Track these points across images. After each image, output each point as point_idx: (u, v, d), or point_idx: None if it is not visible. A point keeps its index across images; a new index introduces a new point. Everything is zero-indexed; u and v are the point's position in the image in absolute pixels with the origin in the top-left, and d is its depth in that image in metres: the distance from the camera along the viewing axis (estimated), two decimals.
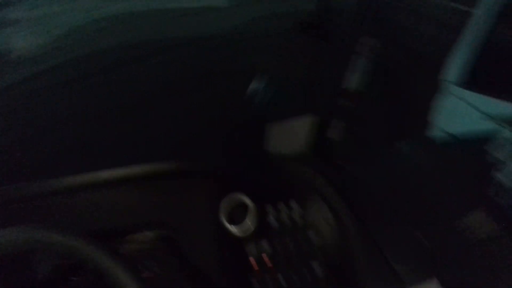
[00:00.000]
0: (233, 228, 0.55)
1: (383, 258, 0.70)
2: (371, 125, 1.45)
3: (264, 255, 0.55)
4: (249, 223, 0.56)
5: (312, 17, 0.91)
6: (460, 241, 0.79)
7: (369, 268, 0.59)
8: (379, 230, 0.76)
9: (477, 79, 2.41)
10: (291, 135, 0.79)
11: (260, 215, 0.57)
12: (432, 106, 0.99)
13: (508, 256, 0.74)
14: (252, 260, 0.56)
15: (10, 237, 0.39)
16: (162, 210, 0.53)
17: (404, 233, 0.76)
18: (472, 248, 0.75)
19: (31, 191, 0.50)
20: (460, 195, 0.87)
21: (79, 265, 0.55)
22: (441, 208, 0.85)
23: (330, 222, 0.59)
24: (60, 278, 0.54)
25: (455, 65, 2.62)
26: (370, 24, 0.94)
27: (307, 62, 1.10)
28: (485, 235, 0.80)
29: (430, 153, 1.11)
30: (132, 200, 0.52)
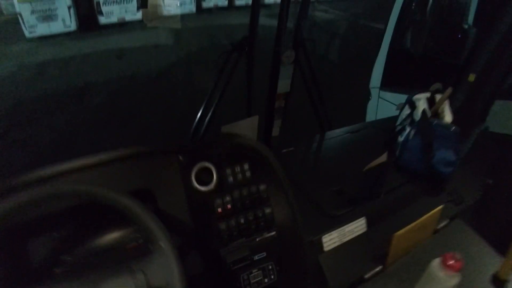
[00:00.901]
0: (201, 188, 0.75)
1: (311, 202, 0.95)
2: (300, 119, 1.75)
3: (226, 204, 0.78)
4: (214, 182, 0.77)
5: (243, 41, 1.19)
6: (374, 190, 1.06)
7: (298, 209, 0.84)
8: (308, 189, 1.01)
9: (390, 82, 3.04)
10: (243, 132, 1.02)
11: (221, 176, 0.78)
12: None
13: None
14: (217, 208, 0.77)
15: (75, 187, 0.53)
16: (147, 179, 0.70)
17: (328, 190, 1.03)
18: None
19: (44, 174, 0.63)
20: (374, 158, 1.17)
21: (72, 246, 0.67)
22: (358, 169, 1.14)
23: (273, 178, 0.83)
24: (52, 262, 0.66)
25: (376, 76, 3.24)
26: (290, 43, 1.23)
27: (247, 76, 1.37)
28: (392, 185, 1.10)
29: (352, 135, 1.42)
30: (124, 174, 0.69)
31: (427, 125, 1.05)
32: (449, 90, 1.18)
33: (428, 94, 1.23)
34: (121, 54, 6.34)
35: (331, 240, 0.86)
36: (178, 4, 9.10)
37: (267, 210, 0.83)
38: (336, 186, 1.02)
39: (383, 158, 0.94)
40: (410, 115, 1.21)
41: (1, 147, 3.23)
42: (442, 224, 1.08)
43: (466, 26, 2.64)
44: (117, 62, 6.04)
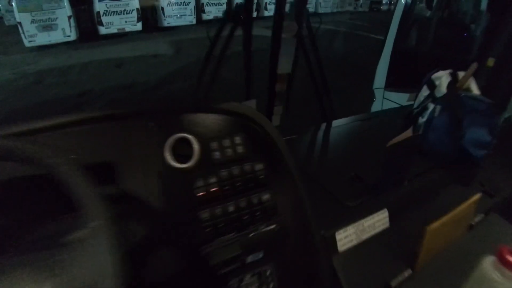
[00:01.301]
0: (178, 164, 0.57)
1: (321, 190, 0.77)
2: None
3: (210, 186, 0.58)
4: (194, 158, 0.58)
5: (238, 8, 1.03)
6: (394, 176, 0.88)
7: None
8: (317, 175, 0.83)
9: (393, 83, 2.92)
10: None
11: (205, 151, 0.60)
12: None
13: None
14: (198, 191, 0.58)
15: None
16: (106, 151, 0.53)
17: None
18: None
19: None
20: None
21: None
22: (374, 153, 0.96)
23: (272, 155, 0.65)
24: None
25: (380, 77, 3.12)
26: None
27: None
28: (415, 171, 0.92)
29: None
30: (76, 142, 0.52)
31: (455, 98, 0.88)
32: (474, 65, 1.02)
33: (449, 71, 1.06)
34: (120, 63, 6.28)
35: (347, 237, 0.67)
36: (179, 16, 9.14)
37: (265, 196, 0.63)
38: (350, 172, 0.83)
39: (408, 133, 0.77)
40: (431, 95, 1.05)
41: None
42: (477, 219, 0.89)
43: (478, 13, 2.51)
44: (116, 71, 5.96)
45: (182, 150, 0.59)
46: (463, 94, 0.89)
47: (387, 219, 0.73)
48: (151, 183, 0.56)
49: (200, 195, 0.58)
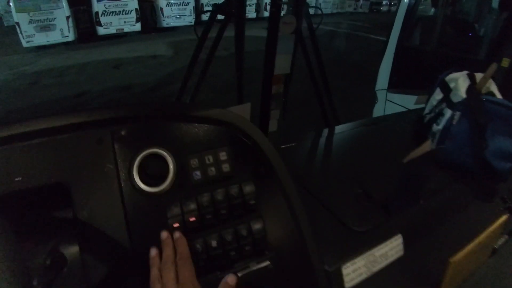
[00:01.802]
0: (148, 188, 0.46)
1: (324, 212, 0.66)
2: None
3: (188, 214, 0.47)
4: (169, 179, 0.47)
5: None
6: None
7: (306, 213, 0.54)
8: (318, 192, 0.72)
9: (396, 85, 2.81)
10: None
11: (182, 170, 0.49)
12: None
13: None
14: (173, 221, 0.46)
15: None
16: (60, 169, 0.42)
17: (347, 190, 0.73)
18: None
19: None
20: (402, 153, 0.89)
21: None
22: (383, 167, 0.85)
23: (265, 174, 0.53)
24: None
25: (383, 78, 3.02)
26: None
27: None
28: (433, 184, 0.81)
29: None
30: (32, 160, 0.41)
31: (477, 103, 0.77)
32: (493, 66, 0.91)
33: (466, 72, 0.95)
34: (118, 64, 6.18)
35: (355, 271, 0.56)
36: (178, 16, 9.06)
37: (256, 226, 0.51)
38: (357, 188, 0.72)
39: (426, 146, 0.66)
40: (445, 99, 0.94)
41: None
42: (500, 241, 0.78)
43: (489, 11, 2.40)
44: (114, 72, 5.87)
45: (154, 169, 0.48)
46: (485, 99, 0.78)
47: (401, 246, 0.62)
48: (114, 211, 0.45)
49: (175, 226, 0.47)
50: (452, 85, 0.96)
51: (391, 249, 0.60)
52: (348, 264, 0.55)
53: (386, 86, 2.92)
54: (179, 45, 7.43)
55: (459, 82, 0.90)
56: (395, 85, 2.83)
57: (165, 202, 0.47)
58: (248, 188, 0.52)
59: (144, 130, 0.49)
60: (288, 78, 1.08)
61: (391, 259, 0.60)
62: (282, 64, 1.00)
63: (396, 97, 2.86)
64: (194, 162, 0.50)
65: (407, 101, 2.58)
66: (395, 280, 0.61)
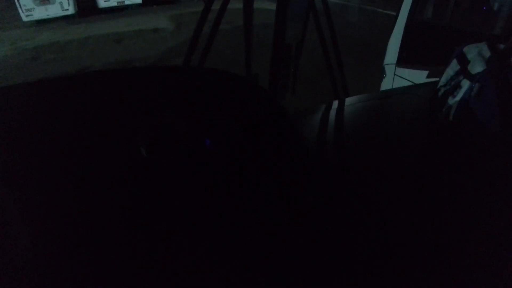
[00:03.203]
0: None
1: None
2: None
3: None
4: None
5: None
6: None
7: None
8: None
9: (406, 59, 2.72)
10: None
11: None
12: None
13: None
14: None
15: None
16: None
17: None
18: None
19: None
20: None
21: None
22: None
23: None
24: None
25: (392, 52, 2.91)
26: None
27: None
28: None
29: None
30: None
31: (504, 71, 0.73)
32: None
33: (485, 43, 0.91)
34: (119, 38, 6.05)
35: None
36: None
37: None
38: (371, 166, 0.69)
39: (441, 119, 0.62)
40: (463, 70, 0.90)
41: None
42: None
43: None
44: (115, 46, 5.76)
45: None
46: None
47: None
48: None
49: None
50: (470, 56, 0.91)
51: None
52: None
53: (395, 60, 2.85)
54: (180, 19, 7.23)
55: (481, 52, 0.86)
56: (404, 60, 2.76)
57: None
58: None
59: None
60: (299, 47, 1.03)
61: None
62: (294, 29, 0.96)
63: (406, 72, 2.79)
64: None
65: (417, 76, 2.51)
66: None
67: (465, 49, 0.94)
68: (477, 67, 0.83)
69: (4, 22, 7.16)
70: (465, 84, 0.82)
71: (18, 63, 5.17)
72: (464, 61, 0.92)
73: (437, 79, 1.05)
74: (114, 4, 7.78)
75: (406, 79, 2.80)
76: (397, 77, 2.90)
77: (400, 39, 2.76)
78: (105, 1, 7.65)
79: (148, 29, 6.60)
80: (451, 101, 0.84)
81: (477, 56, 0.86)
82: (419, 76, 2.48)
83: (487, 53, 0.83)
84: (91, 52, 5.53)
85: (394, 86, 2.86)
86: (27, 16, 6.76)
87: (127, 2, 7.93)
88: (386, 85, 2.93)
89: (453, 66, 0.96)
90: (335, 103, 1.05)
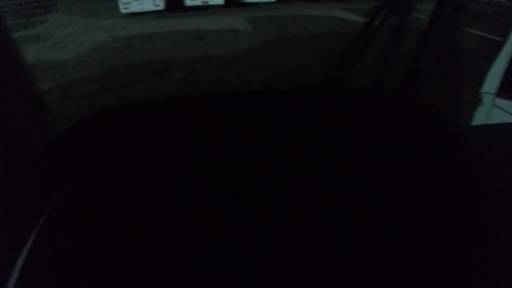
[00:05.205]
0: None
1: None
2: None
3: None
4: None
5: None
6: None
7: None
8: None
9: (509, 90, 2.48)
10: None
11: None
12: None
13: None
14: None
15: None
16: None
17: None
18: None
19: None
20: None
21: None
22: None
23: None
24: None
25: (492, 80, 2.71)
26: None
27: None
28: None
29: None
30: None
31: None
32: None
33: None
34: (201, 35, 6.47)
35: None
36: None
37: None
38: None
39: None
40: None
41: (92, 106, 3.53)
42: None
43: None
44: (196, 43, 6.17)
45: None
46: None
47: None
48: None
49: None
50: None
51: None
52: None
53: (495, 90, 2.64)
54: (257, 22, 7.47)
55: None
56: (507, 91, 2.53)
57: None
58: None
59: None
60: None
61: None
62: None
63: (506, 104, 2.57)
64: None
65: None
66: None
67: None
68: None
69: (104, 12, 8.10)
70: None
71: (114, 49, 5.80)
72: None
73: None
74: (199, 3, 8.32)
75: (506, 111, 2.58)
76: (495, 107, 2.70)
77: (505, 67, 2.56)
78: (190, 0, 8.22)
79: (227, 29, 6.94)
80: None
81: None
82: None
83: None
84: (174, 45, 5.99)
85: (492, 117, 2.68)
86: (124, 8, 7.57)
87: (210, 2, 8.43)
88: (481, 114, 2.74)
89: None
90: None
